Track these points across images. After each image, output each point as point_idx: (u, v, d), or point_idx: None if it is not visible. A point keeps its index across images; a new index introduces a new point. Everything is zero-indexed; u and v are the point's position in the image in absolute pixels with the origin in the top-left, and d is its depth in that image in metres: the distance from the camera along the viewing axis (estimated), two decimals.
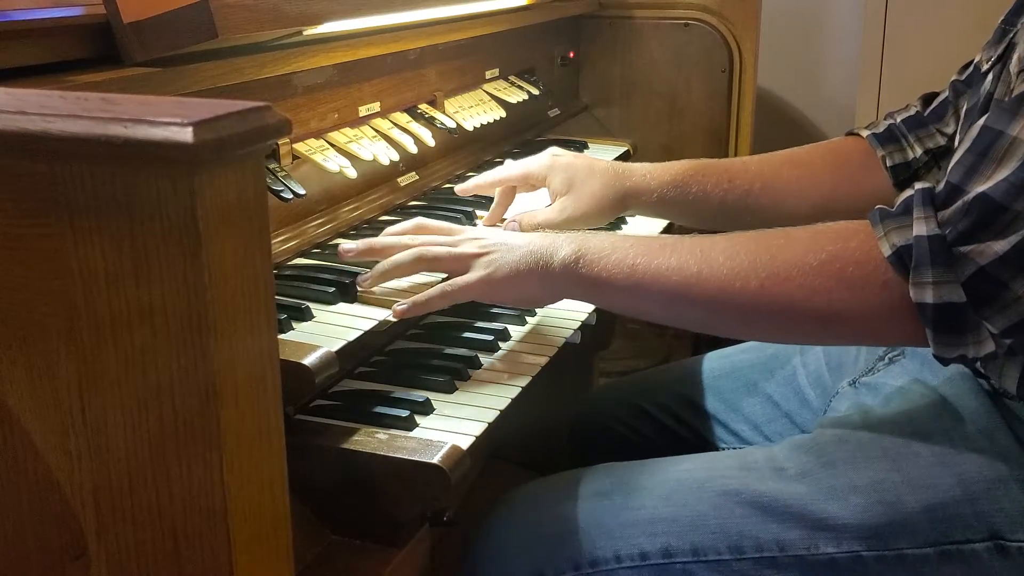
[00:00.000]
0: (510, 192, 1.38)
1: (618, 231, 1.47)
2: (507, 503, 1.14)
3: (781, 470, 1.06)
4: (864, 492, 1.01)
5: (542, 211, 1.32)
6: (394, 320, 1.07)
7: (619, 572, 1.05)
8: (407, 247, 1.11)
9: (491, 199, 1.41)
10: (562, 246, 1.06)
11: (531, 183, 1.36)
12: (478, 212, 1.42)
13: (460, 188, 1.42)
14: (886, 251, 0.92)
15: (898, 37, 2.50)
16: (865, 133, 1.36)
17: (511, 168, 1.37)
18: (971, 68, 1.29)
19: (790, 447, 1.11)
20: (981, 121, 0.93)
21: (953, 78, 1.32)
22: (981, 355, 0.91)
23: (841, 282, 0.94)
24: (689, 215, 1.36)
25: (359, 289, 1.10)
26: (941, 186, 0.93)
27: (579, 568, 1.06)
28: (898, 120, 1.36)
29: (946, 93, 1.34)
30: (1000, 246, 0.87)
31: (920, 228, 0.91)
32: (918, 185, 0.95)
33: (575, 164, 1.34)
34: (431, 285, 1.11)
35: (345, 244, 1.13)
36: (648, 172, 1.34)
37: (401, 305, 1.07)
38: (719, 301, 0.99)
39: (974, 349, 0.91)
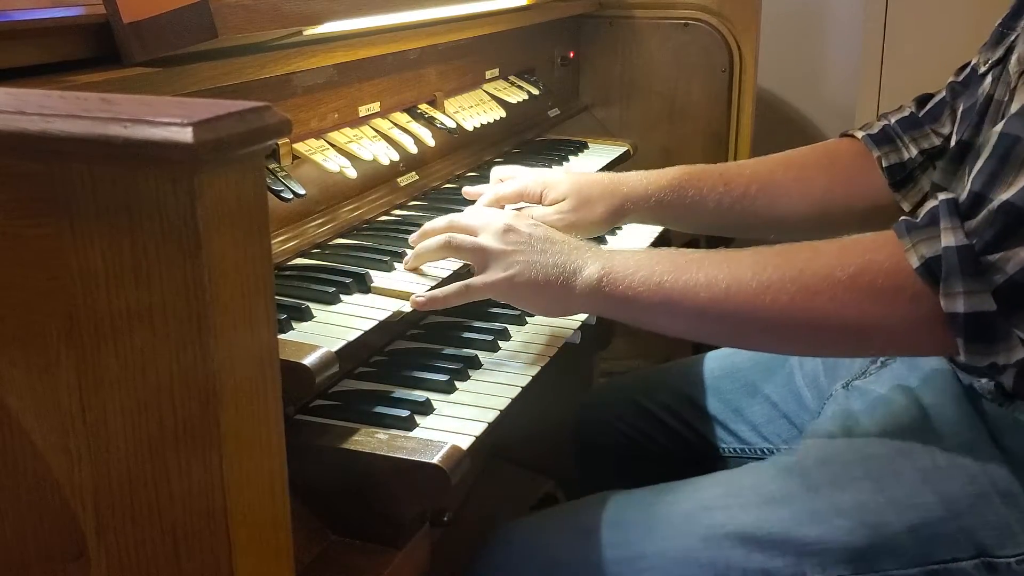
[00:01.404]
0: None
1: (625, 242, 1.47)
2: (503, 539, 1.14)
3: (766, 496, 1.07)
4: (848, 515, 1.02)
5: (539, 209, 1.31)
6: (395, 320, 1.07)
7: None
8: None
9: None
10: (587, 263, 1.05)
11: (527, 199, 1.35)
12: None
13: (468, 191, 1.41)
14: (914, 263, 0.92)
15: (898, 37, 2.50)
16: (860, 134, 1.36)
17: (510, 186, 1.34)
18: (968, 70, 1.29)
19: (776, 469, 1.11)
20: (999, 127, 0.93)
21: (950, 79, 1.33)
22: (1012, 362, 0.92)
23: (871, 295, 0.94)
24: (687, 219, 1.36)
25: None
26: (964, 195, 0.94)
27: None
28: (892, 121, 1.36)
29: (942, 94, 1.34)
30: None
31: (948, 239, 0.91)
32: (942, 196, 0.95)
33: (568, 177, 1.33)
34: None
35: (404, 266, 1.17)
36: (644, 177, 1.33)
37: (419, 297, 1.09)
38: (749, 316, 0.98)
39: (1005, 356, 0.91)
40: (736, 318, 0.99)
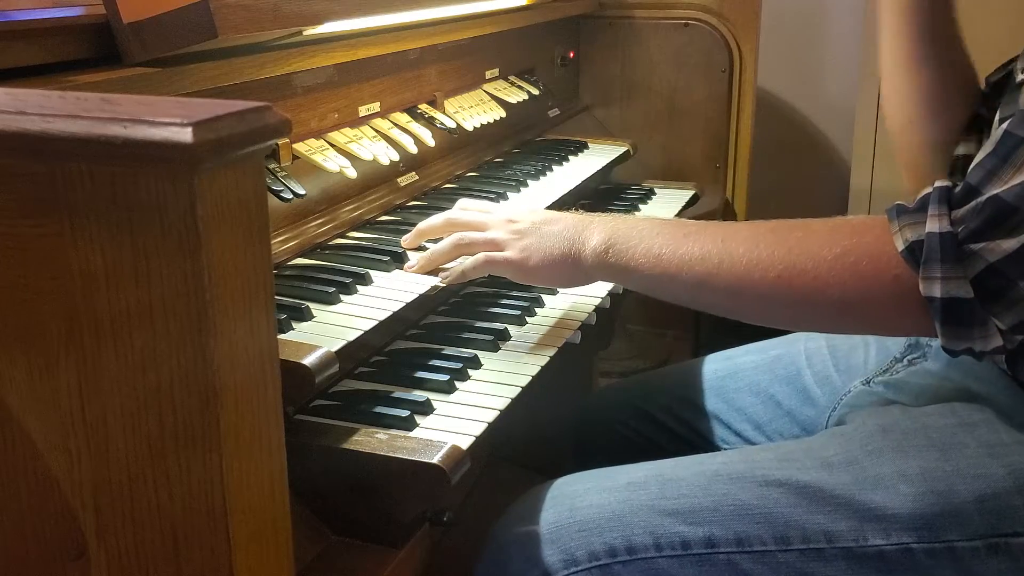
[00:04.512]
0: None
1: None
2: (535, 493, 1.12)
3: (824, 459, 1.05)
4: (914, 481, 1.00)
5: None
6: (392, 320, 1.08)
7: (658, 561, 1.02)
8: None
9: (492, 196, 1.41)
10: (593, 234, 1.10)
11: None
12: None
13: None
14: (900, 246, 0.94)
15: None
16: None
17: None
18: (990, 86, 1.28)
19: (829, 437, 1.10)
20: (1005, 125, 0.94)
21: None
22: (988, 349, 0.93)
23: (854, 275, 0.96)
24: None
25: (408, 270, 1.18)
26: (960, 186, 0.95)
27: (615, 555, 1.03)
28: None
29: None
30: (1009, 244, 0.89)
31: (933, 225, 0.93)
32: (937, 183, 0.96)
33: None
34: None
35: (408, 265, 1.20)
36: None
37: (444, 275, 1.16)
38: (739, 290, 1.02)
39: (981, 343, 0.93)
40: (728, 291, 1.03)
